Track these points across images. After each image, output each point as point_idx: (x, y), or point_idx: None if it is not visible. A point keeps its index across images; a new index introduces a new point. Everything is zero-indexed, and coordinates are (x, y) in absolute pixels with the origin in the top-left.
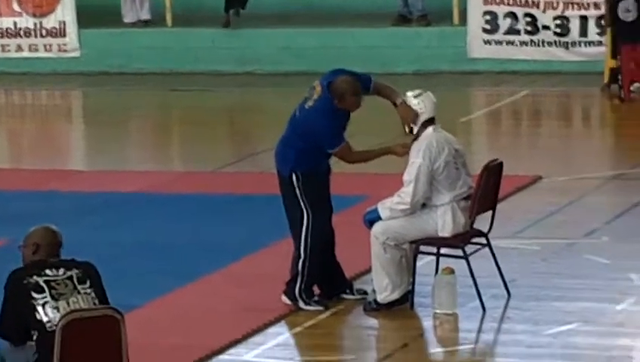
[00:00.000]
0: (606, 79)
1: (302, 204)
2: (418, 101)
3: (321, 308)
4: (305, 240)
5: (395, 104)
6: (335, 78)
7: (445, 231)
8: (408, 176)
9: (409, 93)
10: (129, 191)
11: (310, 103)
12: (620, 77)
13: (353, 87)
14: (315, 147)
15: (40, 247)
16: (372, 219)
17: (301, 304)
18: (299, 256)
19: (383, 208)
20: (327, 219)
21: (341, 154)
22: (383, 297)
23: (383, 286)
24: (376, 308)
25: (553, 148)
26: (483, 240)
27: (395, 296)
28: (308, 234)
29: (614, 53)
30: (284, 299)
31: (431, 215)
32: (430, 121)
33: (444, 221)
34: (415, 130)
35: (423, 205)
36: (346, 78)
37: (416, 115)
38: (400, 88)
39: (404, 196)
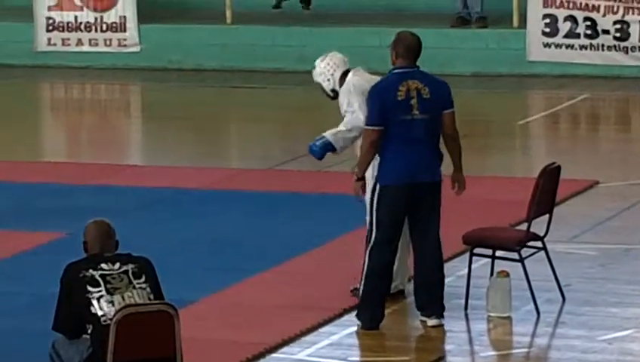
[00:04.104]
0: None
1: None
2: (326, 63)
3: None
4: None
5: None
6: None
7: None
8: (345, 126)
9: (317, 61)
10: (186, 187)
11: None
12: None
13: None
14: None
15: (92, 241)
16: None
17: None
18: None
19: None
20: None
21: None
22: None
23: None
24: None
25: (611, 152)
26: (539, 244)
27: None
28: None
29: None
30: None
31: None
32: (346, 73)
33: None
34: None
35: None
36: None
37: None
38: (458, 90)
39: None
